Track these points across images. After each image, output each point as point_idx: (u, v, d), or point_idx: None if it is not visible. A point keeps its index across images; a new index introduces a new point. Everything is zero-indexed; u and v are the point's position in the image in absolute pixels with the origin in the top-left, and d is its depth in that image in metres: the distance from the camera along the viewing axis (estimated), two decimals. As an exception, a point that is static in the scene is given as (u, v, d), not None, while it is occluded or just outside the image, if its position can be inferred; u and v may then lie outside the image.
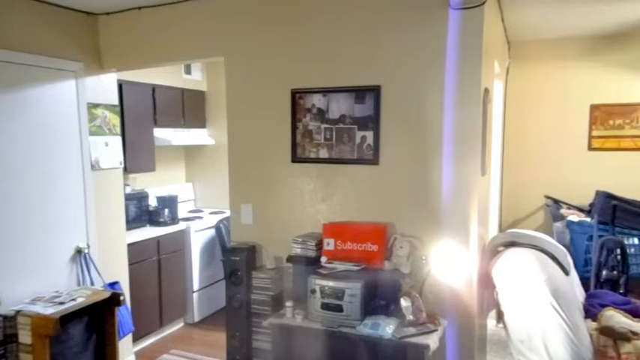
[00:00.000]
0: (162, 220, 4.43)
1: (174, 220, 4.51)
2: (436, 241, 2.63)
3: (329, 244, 2.75)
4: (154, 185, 4.80)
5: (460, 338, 2.64)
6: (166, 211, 4.48)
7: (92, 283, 3.40)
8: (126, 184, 4.18)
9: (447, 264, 2.60)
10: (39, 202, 3.13)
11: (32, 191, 3.09)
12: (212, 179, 5.29)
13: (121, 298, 3.14)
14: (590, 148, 4.62)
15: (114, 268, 3.66)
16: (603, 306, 2.98)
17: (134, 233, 4.07)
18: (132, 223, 4.17)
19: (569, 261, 3.11)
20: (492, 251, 3.00)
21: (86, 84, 3.45)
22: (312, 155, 2.91)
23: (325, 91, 2.85)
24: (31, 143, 3.09)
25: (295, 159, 2.97)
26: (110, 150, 3.63)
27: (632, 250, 4.01)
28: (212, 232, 4.64)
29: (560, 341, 2.56)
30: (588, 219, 4.18)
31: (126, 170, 3.99)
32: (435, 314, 2.58)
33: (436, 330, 2.42)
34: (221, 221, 4.45)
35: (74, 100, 3.37)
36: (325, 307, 2.48)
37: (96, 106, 3.53)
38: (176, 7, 3.22)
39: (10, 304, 2.85)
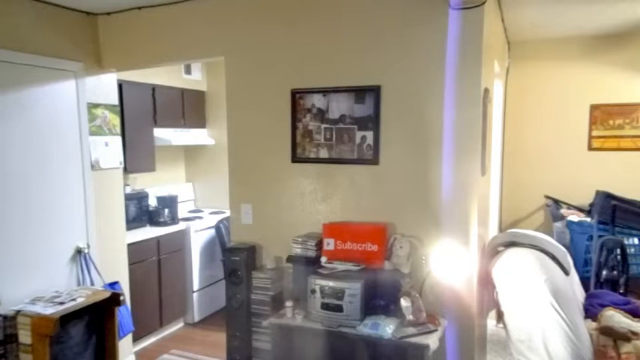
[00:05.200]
0: (162, 220, 4.43)
1: (174, 220, 4.51)
2: (436, 241, 2.63)
3: (329, 244, 2.74)
4: (154, 185, 4.80)
5: (460, 338, 2.64)
6: (166, 211, 4.48)
7: (92, 283, 3.40)
8: (126, 184, 4.18)
9: (447, 264, 2.60)
10: (39, 202, 3.13)
11: (32, 191, 3.09)
12: (212, 179, 5.29)
13: (121, 298, 3.14)
14: (590, 148, 4.62)
15: (114, 268, 3.66)
16: (603, 306, 2.98)
17: (134, 233, 4.07)
18: (132, 223, 4.17)
19: (569, 261, 3.11)
20: (492, 251, 3.00)
21: (86, 84, 3.45)
22: (312, 155, 2.91)
23: (325, 91, 2.85)
24: (31, 143, 3.09)
25: (295, 159, 2.97)
26: (110, 150, 3.63)
27: (632, 250, 4.01)
28: (212, 232, 4.64)
29: (560, 341, 2.55)
30: (588, 219, 4.18)
31: (126, 170, 3.99)
32: (435, 314, 2.58)
33: (436, 330, 2.42)
34: (221, 221, 4.46)
35: (74, 100, 3.37)
36: (325, 307, 2.48)
37: (96, 106, 3.53)
38: (176, 7, 3.22)
39: (10, 304, 2.85)
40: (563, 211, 4.45)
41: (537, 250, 2.88)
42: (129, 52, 3.48)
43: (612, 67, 4.47)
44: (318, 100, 2.87)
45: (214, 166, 5.23)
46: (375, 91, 2.72)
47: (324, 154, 2.88)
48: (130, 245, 3.86)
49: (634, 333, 2.72)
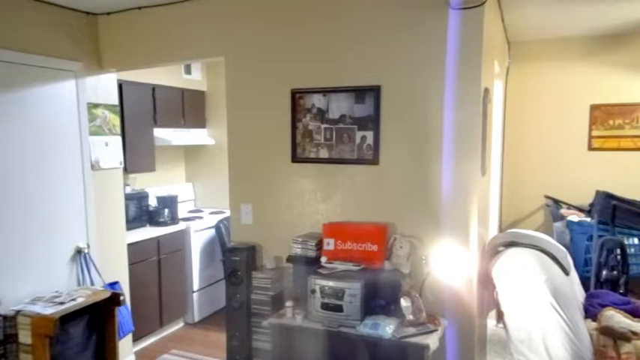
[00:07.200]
0: (162, 220, 4.43)
1: (174, 220, 4.51)
2: (436, 241, 2.63)
3: (329, 244, 2.74)
4: (154, 185, 4.80)
5: (460, 338, 2.64)
6: (166, 211, 4.48)
7: (92, 283, 3.40)
8: (126, 184, 4.18)
9: (447, 264, 2.60)
10: (39, 202, 3.13)
11: (32, 191, 3.09)
12: (212, 179, 5.29)
13: (121, 298, 3.14)
14: (590, 148, 4.62)
15: (114, 268, 3.65)
16: (603, 306, 2.98)
17: (134, 233, 4.07)
18: (132, 223, 4.17)
19: (569, 261, 3.11)
20: (492, 251, 3.00)
21: (86, 84, 3.45)
22: (312, 155, 2.91)
23: (325, 91, 2.85)
24: (31, 143, 3.09)
25: (295, 159, 2.97)
26: (110, 150, 3.63)
27: (632, 250, 4.01)
28: (212, 232, 4.64)
29: (560, 341, 2.56)
30: (588, 219, 4.18)
31: (126, 170, 3.99)
32: (435, 314, 2.58)
33: (436, 330, 2.42)
34: (221, 221, 4.46)
35: (74, 100, 3.37)
36: (325, 307, 2.48)
37: (96, 106, 3.53)
38: (176, 7, 3.22)
39: (10, 304, 2.85)
40: (563, 211, 4.45)
41: (537, 250, 2.88)
42: (129, 52, 3.47)
43: (612, 67, 4.47)
44: (318, 100, 2.87)
45: (214, 166, 5.23)
46: (375, 91, 2.72)
47: (324, 154, 2.88)
48: (130, 245, 3.86)
49: (634, 333, 2.72)
